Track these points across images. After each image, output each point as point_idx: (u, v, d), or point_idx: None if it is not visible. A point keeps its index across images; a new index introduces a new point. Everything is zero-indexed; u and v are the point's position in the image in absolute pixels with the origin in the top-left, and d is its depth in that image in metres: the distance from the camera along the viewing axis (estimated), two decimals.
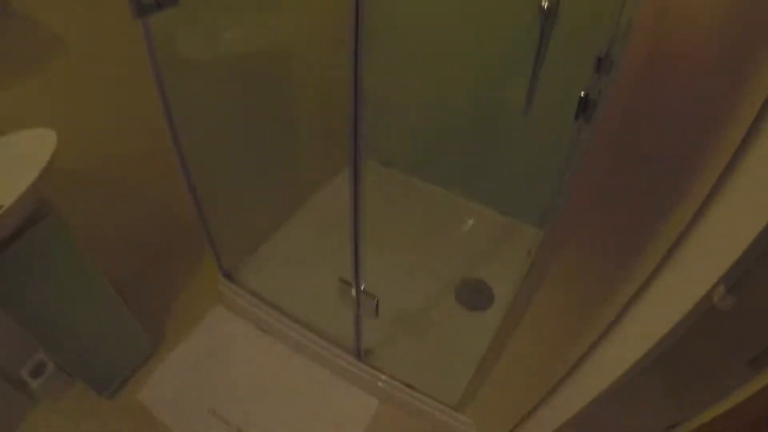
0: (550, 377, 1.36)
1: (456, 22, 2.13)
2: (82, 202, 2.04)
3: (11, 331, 1.93)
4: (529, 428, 1.54)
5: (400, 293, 2.15)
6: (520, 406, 1.55)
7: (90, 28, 1.87)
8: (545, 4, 1.53)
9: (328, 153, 2.83)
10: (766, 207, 0.61)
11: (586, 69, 1.34)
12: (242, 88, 2.23)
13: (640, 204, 0.90)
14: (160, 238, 2.55)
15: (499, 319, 1.43)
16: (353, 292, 1.67)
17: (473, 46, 2.13)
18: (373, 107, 1.21)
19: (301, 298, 2.16)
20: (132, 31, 1.58)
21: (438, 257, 2.42)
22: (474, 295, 2.25)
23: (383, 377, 1.93)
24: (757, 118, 0.68)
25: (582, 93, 1.18)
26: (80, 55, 1.86)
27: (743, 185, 0.72)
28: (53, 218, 1.58)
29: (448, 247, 2.47)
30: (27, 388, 2.06)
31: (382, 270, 1.69)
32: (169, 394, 2.06)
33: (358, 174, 1.33)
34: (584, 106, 1.18)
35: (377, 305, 1.67)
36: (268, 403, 2.01)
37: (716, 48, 0.69)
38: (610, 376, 0.99)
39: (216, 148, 2.07)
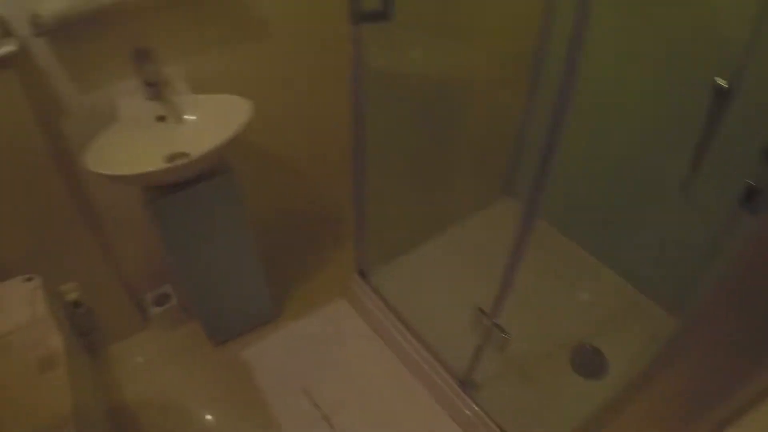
0: None
1: (627, 83, 2.06)
2: (254, 168, 2.18)
3: (153, 258, 2.09)
4: None
5: (517, 338, 2.11)
6: None
7: (300, 21, 2.03)
8: (723, 84, 1.47)
9: (483, 184, 2.84)
10: None
11: (754, 156, 1.26)
12: (420, 105, 2.28)
13: None
14: (311, 221, 2.65)
15: (607, 392, 1.37)
16: (487, 322, 1.65)
17: (641, 110, 2.04)
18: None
19: (425, 315, 2.13)
20: (336, 32, 1.79)
21: (560, 313, 2.34)
22: (588, 361, 2.16)
23: (478, 410, 1.89)
24: None
25: (747, 181, 1.11)
26: (287, 41, 2.03)
27: None
28: (230, 175, 1.68)
29: (572, 305, 2.38)
30: (146, 312, 2.22)
31: (505, 309, 1.67)
32: (272, 361, 2.12)
33: (533, 211, 1.32)
34: (749, 196, 1.10)
35: (505, 343, 1.65)
36: (361, 403, 2.01)
37: None
38: None
39: (386, 154, 2.12)
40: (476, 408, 1.89)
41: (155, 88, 1.74)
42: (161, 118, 1.76)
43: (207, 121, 1.74)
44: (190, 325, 2.26)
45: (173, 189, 1.62)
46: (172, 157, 1.66)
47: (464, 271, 2.42)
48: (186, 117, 1.77)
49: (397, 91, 2.10)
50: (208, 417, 2.00)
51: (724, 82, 1.44)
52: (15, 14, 1.59)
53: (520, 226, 1.35)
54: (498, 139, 2.65)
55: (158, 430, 1.96)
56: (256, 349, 2.17)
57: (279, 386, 2.05)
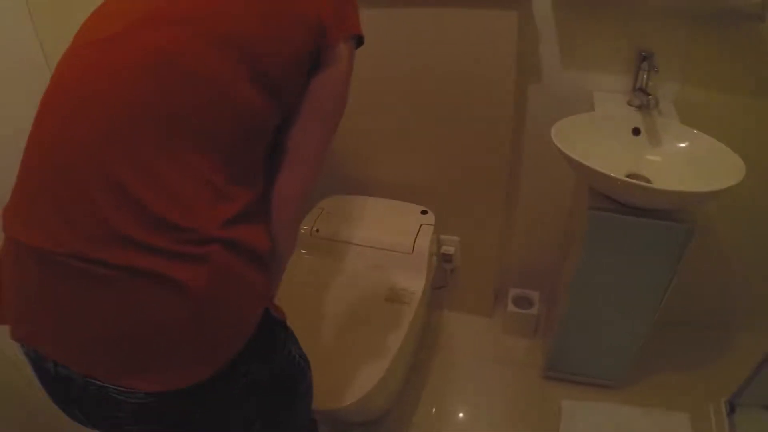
0: None
1: None
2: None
3: (539, 258, 2.07)
4: None
5: None
6: None
7: None
8: None
9: None
10: None
11: None
12: None
13: None
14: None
15: None
16: None
17: None
18: None
19: None
20: None
21: None
22: None
23: None
24: None
25: None
26: None
27: None
28: (688, 228, 1.40)
29: None
30: (498, 304, 2.22)
31: None
32: (582, 426, 1.84)
33: None
34: None
35: None
36: None
37: None
38: None
39: None
40: None
41: (643, 98, 1.54)
42: (636, 131, 1.57)
43: (683, 158, 1.50)
44: (533, 342, 2.13)
45: (620, 209, 1.43)
46: (631, 176, 1.46)
47: None
48: (663, 142, 1.54)
49: None
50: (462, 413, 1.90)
51: None
52: None
53: None
54: None
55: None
56: (578, 405, 1.89)
57: None
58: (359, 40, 0.95)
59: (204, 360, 0.76)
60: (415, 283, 1.63)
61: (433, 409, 1.90)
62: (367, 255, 1.70)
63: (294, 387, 0.97)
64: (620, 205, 1.43)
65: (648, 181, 1.46)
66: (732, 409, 1.82)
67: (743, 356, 2.01)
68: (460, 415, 1.90)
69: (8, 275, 0.78)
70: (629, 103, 1.61)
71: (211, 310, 0.75)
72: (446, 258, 1.98)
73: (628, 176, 1.45)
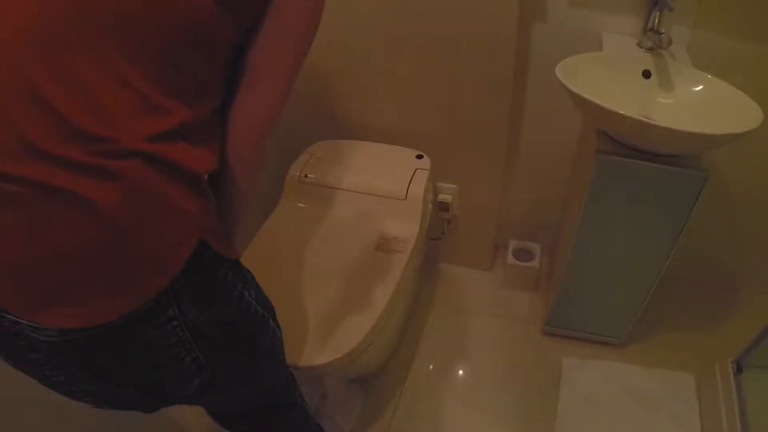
0: None
1: None
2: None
3: (539, 209, 2.01)
4: None
5: None
6: None
7: None
8: None
9: None
10: None
11: None
12: None
13: None
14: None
15: None
16: None
17: None
18: None
19: None
20: None
21: None
22: None
23: None
24: None
25: None
26: None
27: None
28: (701, 176, 1.33)
29: None
30: (497, 256, 2.16)
31: None
32: (583, 386, 1.79)
33: None
34: None
35: None
36: None
37: None
38: None
39: None
40: None
41: (655, 39, 1.45)
42: (646, 74, 1.48)
43: (696, 102, 1.42)
44: (534, 296, 2.08)
45: (629, 153, 1.35)
46: None
47: None
48: (674, 86, 1.46)
49: None
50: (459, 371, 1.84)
51: None
52: None
53: None
54: None
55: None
56: (579, 363, 1.84)
57: (572, 415, 1.72)
58: None
59: (118, 294, 0.68)
60: (407, 231, 1.55)
61: (431, 366, 1.85)
62: (357, 201, 1.61)
63: (250, 338, 0.88)
64: (629, 149, 1.35)
65: None
66: (739, 369, 1.75)
67: (751, 316, 1.96)
68: (459, 372, 1.86)
69: None
70: (639, 45, 1.52)
71: (125, 234, 0.67)
72: (443, 207, 1.91)
73: None
